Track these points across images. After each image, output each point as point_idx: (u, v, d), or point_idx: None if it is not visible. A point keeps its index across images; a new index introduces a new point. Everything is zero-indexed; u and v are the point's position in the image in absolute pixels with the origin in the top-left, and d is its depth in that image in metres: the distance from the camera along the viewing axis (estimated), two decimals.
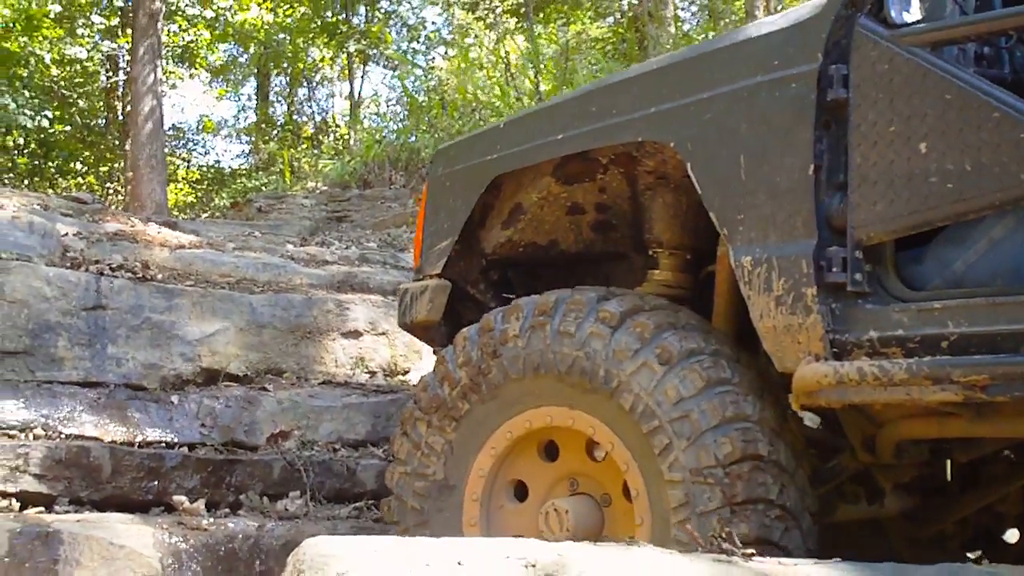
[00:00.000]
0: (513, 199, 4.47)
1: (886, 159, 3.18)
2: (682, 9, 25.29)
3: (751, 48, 3.58)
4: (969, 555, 4.98)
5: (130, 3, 21.86)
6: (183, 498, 4.91)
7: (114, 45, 23.60)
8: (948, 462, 4.64)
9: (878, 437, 3.77)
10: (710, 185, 3.59)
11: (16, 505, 4.62)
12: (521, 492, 4.15)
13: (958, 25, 3.28)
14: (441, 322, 4.58)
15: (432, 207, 4.68)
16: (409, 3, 29.38)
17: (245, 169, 29.86)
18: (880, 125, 3.20)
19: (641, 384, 3.63)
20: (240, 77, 32.69)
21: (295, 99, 32.99)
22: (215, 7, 22.74)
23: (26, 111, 19.34)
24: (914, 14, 3.26)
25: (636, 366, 3.65)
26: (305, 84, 32.23)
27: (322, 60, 29.15)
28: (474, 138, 4.75)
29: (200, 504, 4.90)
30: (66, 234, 6.25)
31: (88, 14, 23.45)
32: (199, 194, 29.30)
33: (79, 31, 23.35)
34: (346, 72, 29.81)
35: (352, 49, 27.53)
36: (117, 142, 24.41)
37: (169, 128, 26.65)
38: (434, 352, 4.77)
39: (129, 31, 20.92)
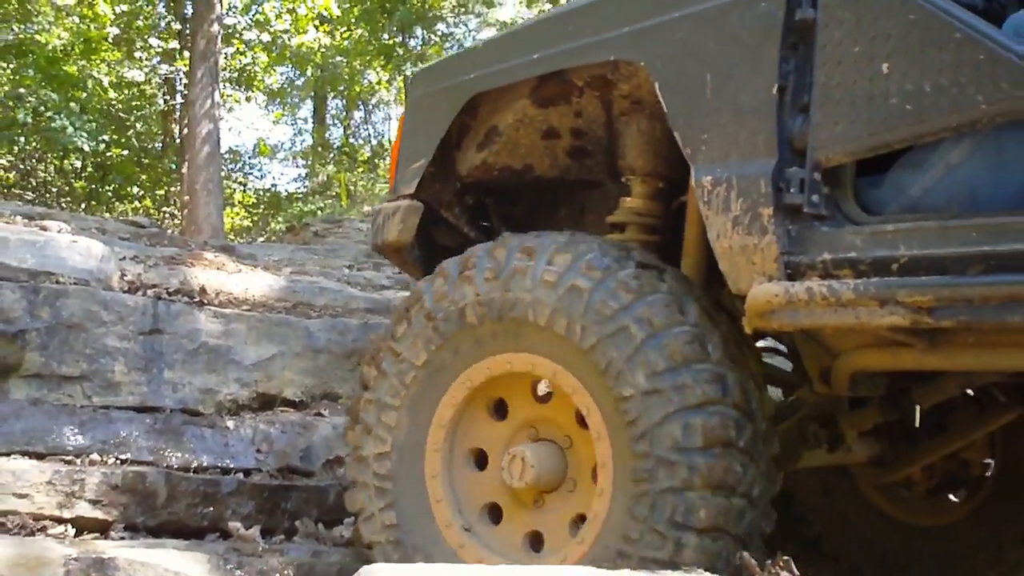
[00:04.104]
0: (489, 121, 4.46)
1: (849, 79, 3.18)
2: None
3: None
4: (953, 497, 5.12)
5: (188, 27, 22.02)
6: (238, 524, 4.88)
7: (172, 68, 23.77)
8: (917, 409, 4.72)
9: (833, 368, 3.78)
10: (676, 104, 3.61)
11: (72, 531, 4.61)
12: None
13: None
14: (414, 245, 4.58)
15: (409, 128, 4.69)
16: (466, 25, 29.55)
17: (301, 193, 30.03)
18: (845, 45, 3.20)
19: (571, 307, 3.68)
20: (297, 100, 32.88)
21: (351, 122, 33.17)
22: (272, 30, 22.87)
23: (83, 134, 19.45)
24: None
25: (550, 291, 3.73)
26: (361, 107, 32.42)
27: (379, 83, 29.22)
28: (453, 58, 4.81)
29: (255, 530, 4.87)
30: (123, 258, 6.25)
31: (146, 37, 23.63)
32: (255, 218, 29.42)
33: (137, 54, 23.55)
34: (403, 95, 29.95)
35: (409, 72, 27.63)
36: (174, 166, 24.51)
37: (226, 151, 26.78)
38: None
39: (187, 54, 21.04)
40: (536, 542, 4.00)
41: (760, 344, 4.55)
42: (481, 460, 4.15)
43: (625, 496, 3.56)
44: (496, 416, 4.13)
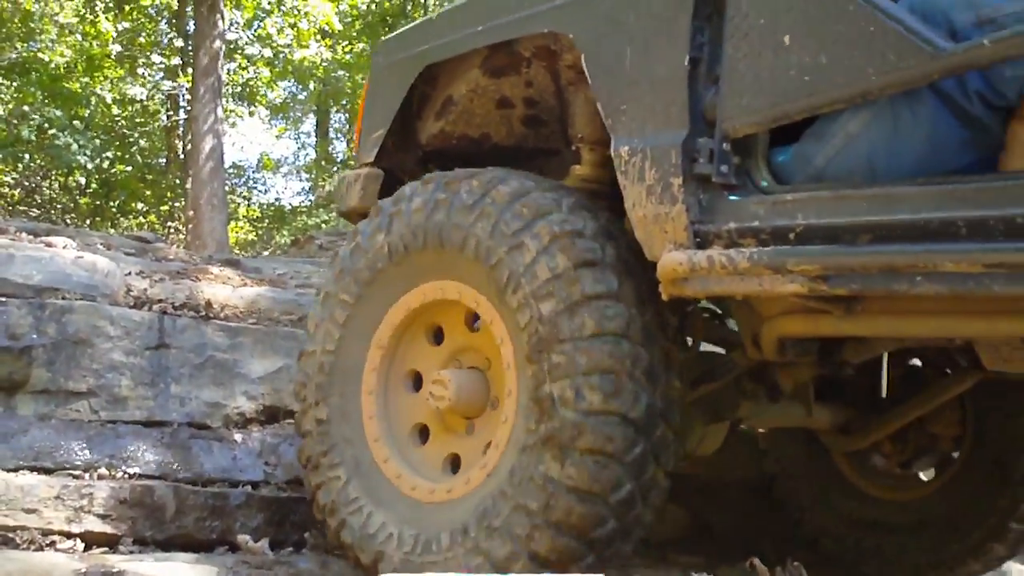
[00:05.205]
0: (445, 91, 4.55)
1: (755, 51, 3.22)
2: None
3: None
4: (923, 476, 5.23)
5: (190, 43, 22.05)
6: (247, 537, 4.88)
7: (175, 84, 23.80)
8: (884, 376, 4.89)
9: (760, 333, 3.86)
10: (599, 76, 3.69)
11: (80, 546, 4.60)
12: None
13: None
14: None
15: (371, 98, 4.81)
16: None
17: (305, 206, 30.04)
18: (751, 17, 3.24)
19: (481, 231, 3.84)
20: (299, 114, 32.90)
21: (354, 135, 33.12)
22: (274, 45, 22.90)
23: (87, 151, 19.49)
24: None
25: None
26: None
27: None
28: (411, 30, 4.85)
29: (264, 543, 4.86)
30: (129, 273, 6.25)
31: (149, 54, 23.67)
32: (260, 232, 29.46)
33: (140, 71, 23.59)
34: None
35: None
36: (178, 181, 24.57)
37: (229, 166, 26.84)
38: None
39: (190, 70, 21.09)
40: (456, 464, 4.14)
41: None
42: (417, 382, 4.31)
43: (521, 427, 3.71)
44: (434, 342, 4.27)
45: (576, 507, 3.48)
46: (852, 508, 5.26)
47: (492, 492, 3.72)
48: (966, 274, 2.79)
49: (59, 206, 24.23)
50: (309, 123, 34.02)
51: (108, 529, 4.68)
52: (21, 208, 22.88)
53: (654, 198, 3.42)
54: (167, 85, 24.10)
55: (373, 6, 26.70)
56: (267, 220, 29.93)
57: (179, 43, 24.12)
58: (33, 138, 19.74)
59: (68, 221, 22.49)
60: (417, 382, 4.30)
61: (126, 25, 23.01)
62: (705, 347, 4.50)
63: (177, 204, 24.98)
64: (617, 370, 3.49)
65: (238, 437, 5.41)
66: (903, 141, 3.18)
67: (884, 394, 5.03)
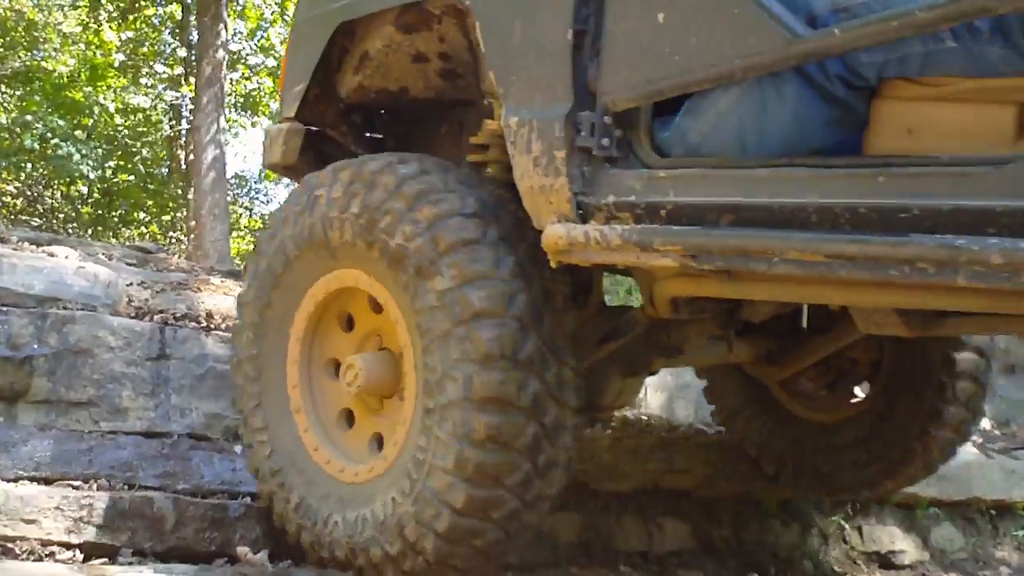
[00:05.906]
0: (362, 46, 4.61)
1: (632, 27, 3.31)
2: None
3: None
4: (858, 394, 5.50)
5: (194, 53, 22.07)
6: (246, 549, 4.87)
7: (177, 94, 23.81)
8: (804, 310, 5.06)
9: (653, 293, 3.94)
10: (492, 46, 3.79)
11: (80, 556, 4.59)
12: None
13: None
14: (308, 163, 4.78)
15: (292, 52, 4.88)
16: None
17: None
18: None
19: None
20: None
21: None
22: (277, 55, 22.92)
23: (90, 161, 19.49)
24: None
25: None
26: None
27: None
28: None
29: (263, 555, 4.85)
30: (130, 283, 6.25)
31: (152, 63, 23.70)
32: None
33: (143, 80, 23.61)
34: None
35: None
36: (180, 191, 24.56)
37: (231, 177, 26.81)
38: None
39: (192, 80, 21.10)
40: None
41: None
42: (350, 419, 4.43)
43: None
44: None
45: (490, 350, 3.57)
46: (786, 430, 5.51)
47: (421, 421, 3.83)
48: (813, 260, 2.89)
49: (61, 215, 24.22)
50: None
51: (107, 540, 4.67)
52: (23, 217, 22.87)
53: (540, 169, 3.50)
54: (170, 95, 24.12)
55: None
56: None
57: (182, 53, 24.14)
58: (36, 147, 19.75)
59: (70, 231, 22.48)
60: (350, 420, 4.42)
61: (129, 35, 23.05)
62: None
63: (179, 214, 24.97)
64: (476, 239, 3.64)
65: (238, 448, 5.41)
66: (770, 119, 3.25)
67: (805, 325, 5.18)
